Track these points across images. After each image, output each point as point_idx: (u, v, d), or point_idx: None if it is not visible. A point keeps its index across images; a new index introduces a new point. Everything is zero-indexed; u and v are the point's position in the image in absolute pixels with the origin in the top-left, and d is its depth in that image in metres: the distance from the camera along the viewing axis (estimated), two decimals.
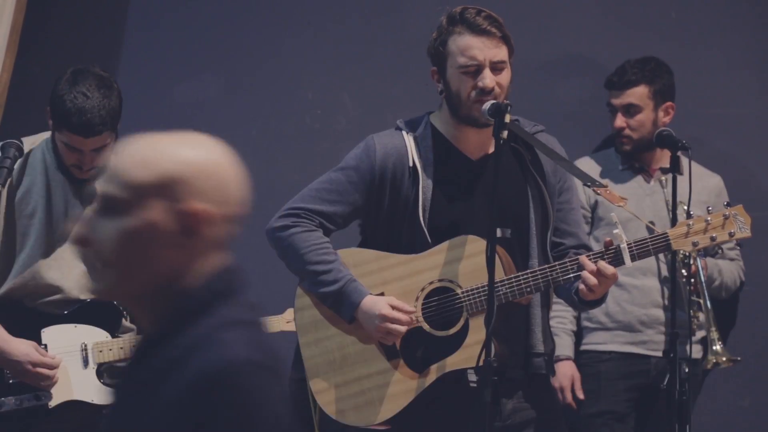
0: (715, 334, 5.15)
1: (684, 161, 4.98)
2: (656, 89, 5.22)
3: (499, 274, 3.65)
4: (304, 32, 5.72)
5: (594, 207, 5.26)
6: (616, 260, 3.67)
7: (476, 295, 3.67)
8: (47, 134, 4.25)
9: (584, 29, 5.71)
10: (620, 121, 5.22)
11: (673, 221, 4.36)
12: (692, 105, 5.51)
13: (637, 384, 5.21)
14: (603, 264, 3.65)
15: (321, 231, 3.81)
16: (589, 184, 3.72)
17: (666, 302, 5.16)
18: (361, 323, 3.74)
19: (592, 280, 3.64)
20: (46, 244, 4.18)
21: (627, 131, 5.22)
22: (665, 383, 4.45)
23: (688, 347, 4.73)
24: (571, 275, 3.68)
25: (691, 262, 5.11)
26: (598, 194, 3.74)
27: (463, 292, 3.69)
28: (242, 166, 5.85)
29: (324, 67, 5.71)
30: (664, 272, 5.16)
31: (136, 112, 5.40)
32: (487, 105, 3.68)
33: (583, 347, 5.30)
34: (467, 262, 3.70)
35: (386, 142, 3.82)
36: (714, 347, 5.15)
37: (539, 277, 3.67)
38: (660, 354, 5.10)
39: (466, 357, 3.66)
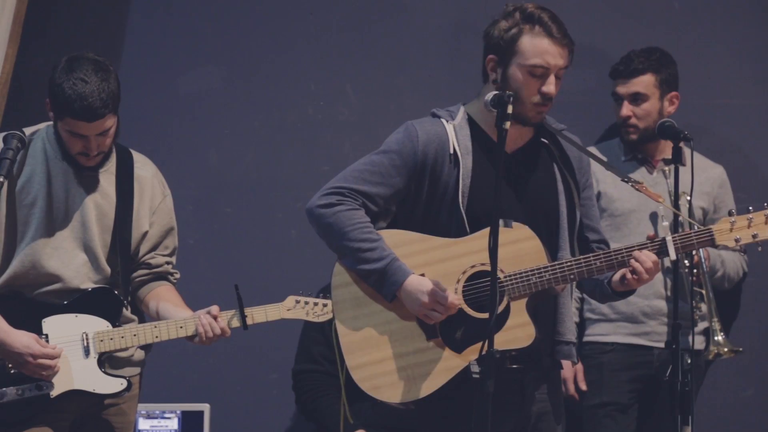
0: (717, 325, 5.15)
1: (686, 152, 4.99)
2: (662, 78, 5.22)
3: (543, 261, 3.75)
4: (307, 24, 5.72)
5: (597, 198, 5.26)
6: (661, 252, 3.78)
7: (519, 280, 3.74)
8: (46, 123, 4.25)
9: (587, 20, 5.70)
10: (626, 109, 5.23)
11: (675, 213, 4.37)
12: (695, 95, 5.51)
13: (639, 375, 5.21)
14: (656, 258, 3.76)
15: (363, 210, 3.85)
16: (626, 180, 3.84)
17: (669, 293, 5.17)
18: (403, 302, 3.78)
19: (644, 273, 3.75)
20: (47, 234, 4.18)
21: (633, 120, 5.23)
22: (668, 374, 4.45)
23: (690, 338, 4.73)
24: (615, 265, 3.78)
25: (694, 252, 5.11)
26: (638, 190, 3.89)
27: (505, 277, 3.74)
28: (244, 156, 5.87)
29: (326, 58, 5.71)
30: (667, 263, 5.16)
31: (139, 103, 5.42)
32: (489, 96, 3.71)
33: (586, 338, 5.30)
34: (509, 248, 3.74)
35: (428, 128, 3.87)
36: (716, 338, 5.15)
37: (583, 265, 3.76)
38: (663, 345, 5.10)
39: (506, 339, 3.71)
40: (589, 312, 5.30)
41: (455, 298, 3.74)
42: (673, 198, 4.56)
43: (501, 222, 3.73)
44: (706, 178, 5.27)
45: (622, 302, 5.21)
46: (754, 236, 3.78)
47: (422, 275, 3.79)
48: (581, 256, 3.77)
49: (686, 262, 5.10)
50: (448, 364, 3.76)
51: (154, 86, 5.69)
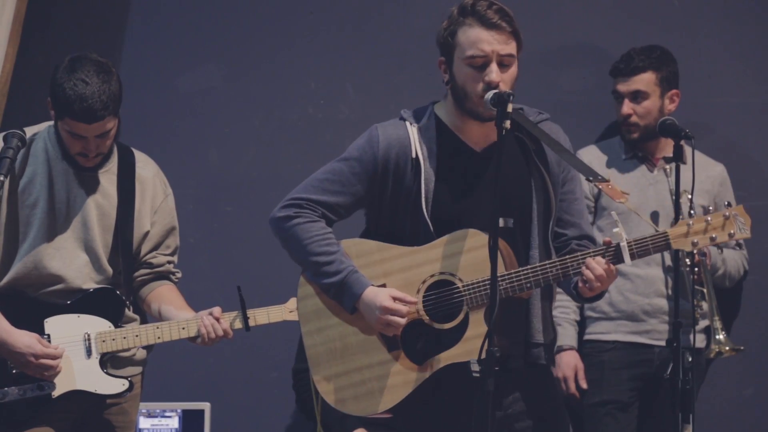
0: (718, 323, 5.15)
1: (687, 150, 4.98)
2: (663, 76, 5.22)
3: (500, 269, 3.62)
4: (307, 22, 5.72)
5: (597, 197, 5.26)
6: (616, 258, 3.68)
7: (477, 289, 3.68)
8: (47, 123, 4.25)
9: (587, 18, 5.70)
10: (627, 107, 5.22)
11: (677, 210, 4.36)
12: (695, 94, 5.51)
13: (640, 373, 5.21)
14: (610, 267, 3.65)
15: (323, 221, 3.81)
16: (590, 179, 3.72)
17: (669, 292, 5.16)
18: (363, 314, 3.75)
19: (595, 281, 3.65)
20: (49, 234, 4.18)
21: (634, 118, 5.22)
22: (668, 372, 4.44)
23: (691, 336, 4.73)
24: (571, 272, 3.68)
25: (695, 251, 5.10)
26: (600, 189, 3.74)
27: (463, 286, 3.69)
28: (245, 155, 5.86)
29: (327, 56, 5.71)
30: (668, 261, 5.16)
31: (139, 102, 5.41)
32: (489, 95, 3.66)
33: (586, 337, 5.30)
34: (468, 255, 3.69)
35: (390, 132, 3.81)
36: (717, 336, 5.15)
37: (539, 273, 3.67)
38: (663, 343, 5.10)
39: (466, 350, 3.66)
40: (590, 310, 5.29)
41: (408, 310, 3.69)
42: (674, 196, 4.55)
43: (501, 221, 3.71)
44: (706, 176, 5.27)
45: (623, 300, 5.21)
46: (712, 239, 3.69)
47: (383, 285, 3.75)
48: (538, 264, 3.68)
49: (687, 260, 5.09)
50: (409, 377, 3.72)
51: (154, 85, 5.69)
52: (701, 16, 5.69)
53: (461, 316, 3.69)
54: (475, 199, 3.76)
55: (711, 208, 3.85)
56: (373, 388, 3.74)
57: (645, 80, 5.21)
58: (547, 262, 3.69)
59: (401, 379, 3.72)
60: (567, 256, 3.69)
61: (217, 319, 4.20)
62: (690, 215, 4.67)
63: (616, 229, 3.68)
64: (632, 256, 3.67)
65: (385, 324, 3.70)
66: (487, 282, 3.63)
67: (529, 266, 3.69)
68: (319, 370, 3.80)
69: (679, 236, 3.69)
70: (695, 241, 3.68)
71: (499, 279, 3.62)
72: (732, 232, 3.69)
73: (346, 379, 3.77)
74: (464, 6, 3.76)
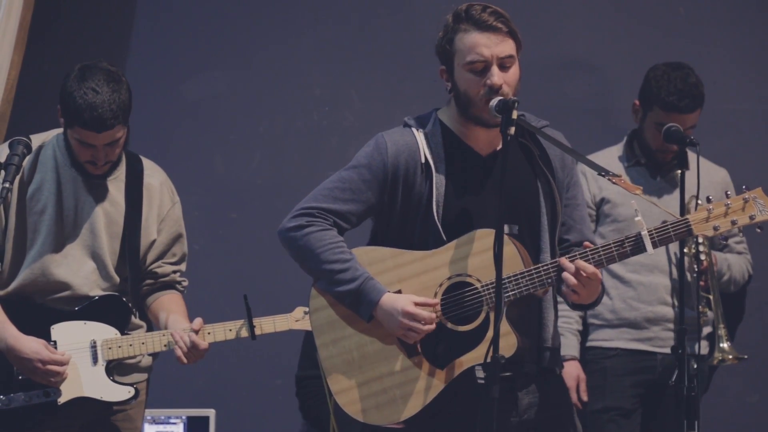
0: (723, 331, 5.14)
1: (691, 156, 4.98)
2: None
3: (520, 267, 3.64)
4: (312, 29, 5.73)
5: (599, 204, 5.26)
6: (638, 248, 3.64)
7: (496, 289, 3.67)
8: (57, 131, 4.26)
9: (592, 27, 5.71)
10: None
11: (683, 215, 4.35)
12: None
13: (643, 380, 5.21)
14: (581, 263, 3.61)
15: (335, 230, 3.78)
16: (603, 174, 3.70)
17: (672, 299, 5.16)
18: (381, 321, 3.72)
19: (572, 280, 3.61)
20: (56, 241, 4.19)
21: (676, 147, 5.14)
22: (674, 379, 4.44)
23: (694, 343, 4.72)
24: (604, 263, 3.64)
25: (703, 257, 5.10)
26: (615, 183, 3.71)
27: (483, 286, 3.68)
28: (250, 162, 5.87)
29: (331, 63, 5.72)
30: (673, 269, 5.16)
31: (144, 108, 5.42)
32: (494, 102, 3.64)
33: (588, 344, 5.30)
34: (484, 255, 3.67)
35: (397, 139, 3.80)
36: (721, 344, 5.14)
37: (551, 271, 3.66)
38: (666, 351, 5.10)
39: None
40: (593, 317, 5.30)
41: (431, 315, 3.66)
42: (680, 202, 4.55)
43: (506, 228, 3.71)
44: (710, 181, 5.26)
45: (626, 308, 5.21)
46: (733, 222, 3.62)
47: (398, 292, 3.72)
48: (557, 259, 3.66)
49: (695, 266, 5.09)
50: (431, 382, 3.69)
51: (160, 92, 5.70)
52: (706, 24, 5.70)
53: (482, 317, 3.67)
54: (483, 204, 3.75)
55: (729, 192, 3.81)
56: (395, 396, 3.71)
57: (696, 115, 5.16)
58: (577, 253, 3.66)
59: (424, 385, 3.69)
60: (588, 249, 3.66)
61: (196, 332, 4.18)
62: None
63: (637, 218, 3.64)
64: (654, 245, 3.63)
65: (408, 330, 3.67)
66: (506, 281, 3.63)
67: (549, 261, 3.67)
68: (337, 382, 3.76)
69: (700, 221, 3.64)
70: (716, 225, 3.63)
71: (520, 275, 3.63)
72: (753, 214, 3.64)
73: (366, 389, 3.74)
74: (458, 13, 3.74)
